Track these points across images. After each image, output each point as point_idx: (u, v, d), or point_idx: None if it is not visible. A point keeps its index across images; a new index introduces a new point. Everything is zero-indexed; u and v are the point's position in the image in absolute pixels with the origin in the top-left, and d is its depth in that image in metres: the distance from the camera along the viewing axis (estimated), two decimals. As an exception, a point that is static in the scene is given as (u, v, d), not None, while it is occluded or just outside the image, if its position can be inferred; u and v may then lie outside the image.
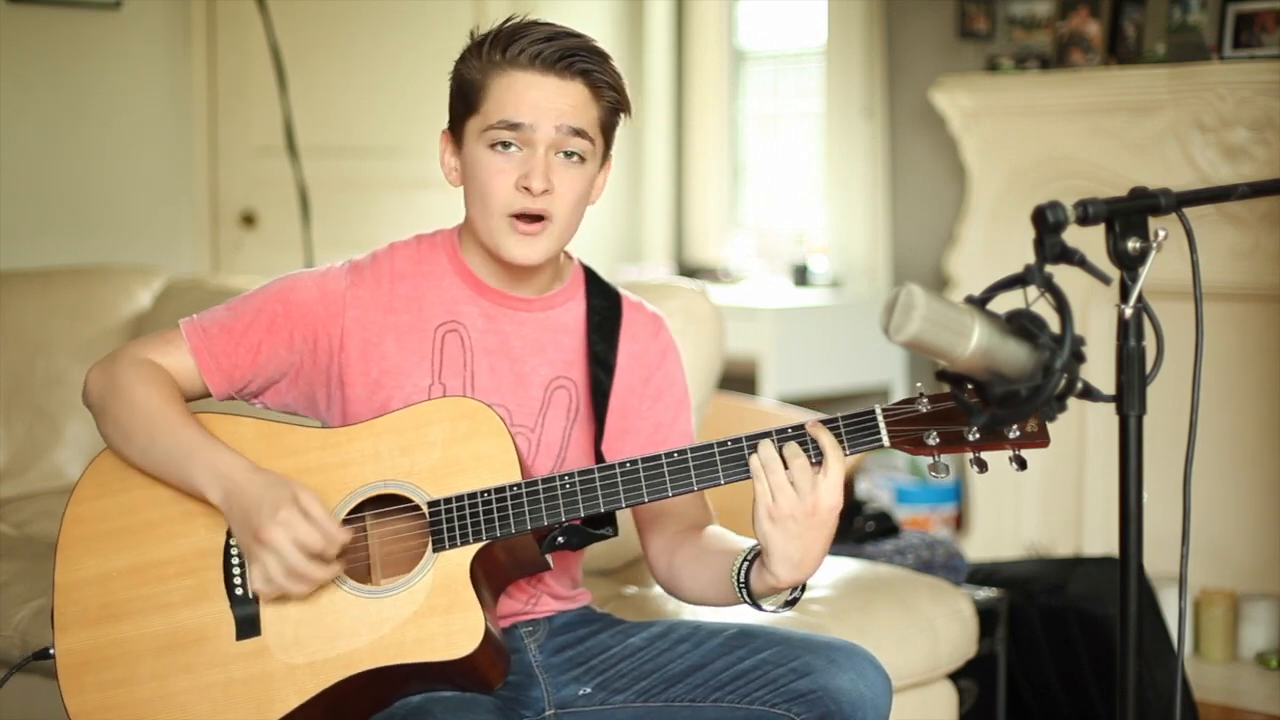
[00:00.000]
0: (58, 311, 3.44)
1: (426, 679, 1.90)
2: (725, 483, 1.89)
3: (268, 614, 1.91)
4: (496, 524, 1.90)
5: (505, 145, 1.96)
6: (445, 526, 1.91)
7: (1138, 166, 4.30)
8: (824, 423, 1.86)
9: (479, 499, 1.91)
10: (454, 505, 1.91)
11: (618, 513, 1.95)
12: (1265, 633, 4.17)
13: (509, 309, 2.06)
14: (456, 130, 2.03)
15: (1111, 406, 1.59)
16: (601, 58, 1.98)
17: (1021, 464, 1.83)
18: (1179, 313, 1.85)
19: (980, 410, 1.59)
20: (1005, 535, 4.67)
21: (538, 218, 1.97)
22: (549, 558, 1.97)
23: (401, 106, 5.21)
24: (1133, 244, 1.57)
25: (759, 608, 1.93)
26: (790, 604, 1.92)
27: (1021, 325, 1.55)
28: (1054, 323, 1.54)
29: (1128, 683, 1.61)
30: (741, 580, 1.92)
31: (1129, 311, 1.57)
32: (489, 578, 1.95)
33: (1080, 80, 4.43)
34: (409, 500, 1.94)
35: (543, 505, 1.91)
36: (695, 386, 2.49)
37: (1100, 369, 1.64)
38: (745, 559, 1.92)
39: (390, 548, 1.97)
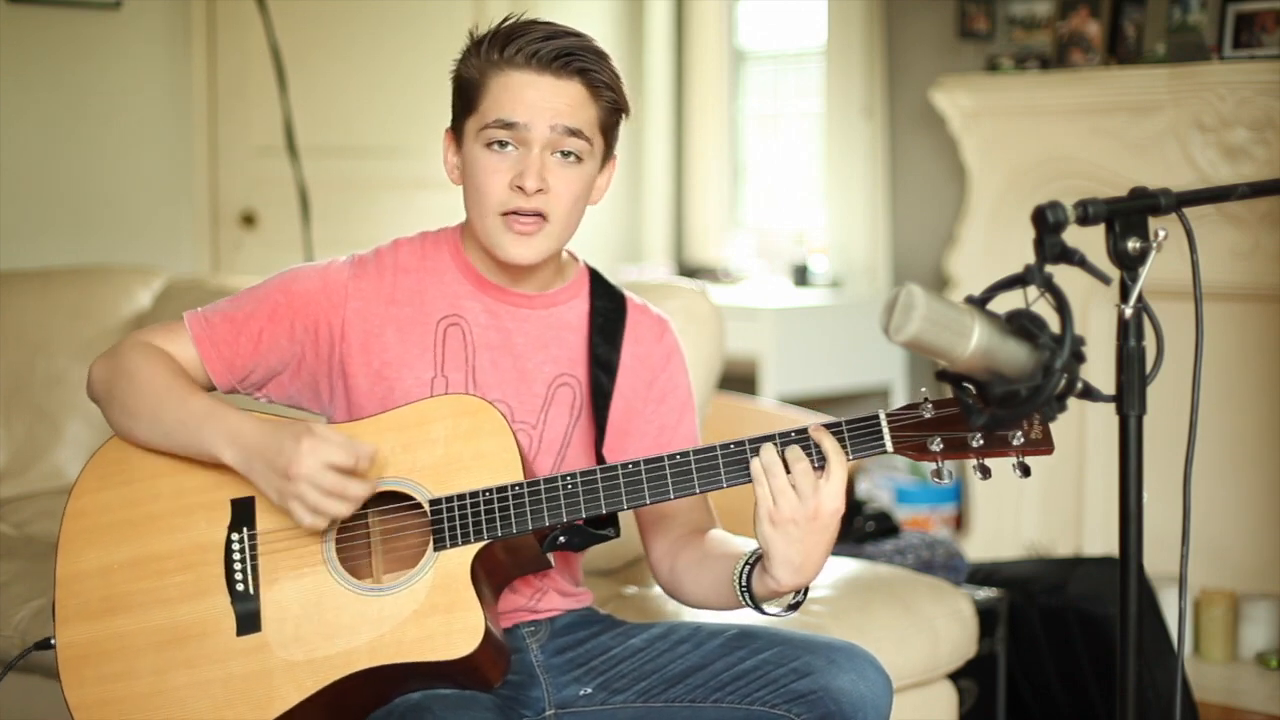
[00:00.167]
0: (58, 311, 3.44)
1: (426, 677, 1.90)
2: (727, 485, 1.89)
3: (268, 610, 1.91)
4: (498, 523, 1.90)
5: (501, 144, 1.97)
6: (446, 525, 1.91)
7: (1138, 166, 4.30)
8: (827, 427, 1.86)
9: (480, 498, 1.91)
10: (455, 504, 1.91)
11: (620, 514, 1.95)
12: (1265, 633, 4.17)
13: (511, 305, 2.06)
14: (457, 129, 2.03)
15: (1111, 406, 1.59)
16: (600, 57, 1.98)
17: (1025, 471, 1.82)
18: (1179, 313, 1.85)
19: (980, 410, 1.59)
20: (1005, 535, 4.67)
21: (533, 216, 1.97)
22: (550, 557, 1.97)
23: (401, 106, 5.22)
24: (1133, 244, 1.57)
25: (762, 611, 1.93)
26: (793, 608, 1.92)
27: (1021, 325, 1.55)
28: (1054, 323, 1.54)
29: (1128, 683, 1.61)
30: (743, 584, 1.92)
31: (1129, 311, 1.57)
32: (490, 576, 1.95)
33: (1080, 80, 4.43)
34: (410, 498, 1.94)
35: (544, 505, 1.91)
36: (695, 386, 2.49)
37: (1100, 369, 1.64)
38: (746, 562, 1.92)
39: (391, 545, 1.97)
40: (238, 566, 1.93)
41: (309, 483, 1.84)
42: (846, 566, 2.92)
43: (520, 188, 1.95)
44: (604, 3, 5.63)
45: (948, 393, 1.72)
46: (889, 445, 1.85)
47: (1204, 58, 4.20)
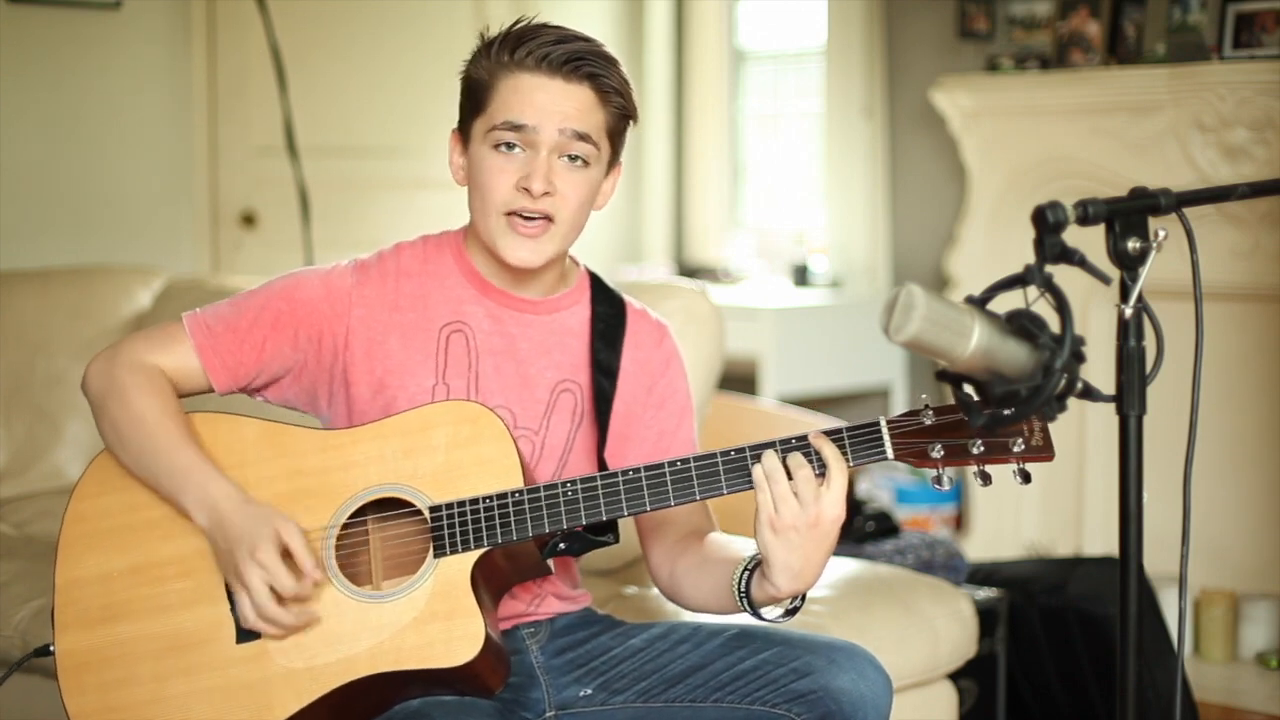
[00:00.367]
0: (58, 311, 3.44)
1: (426, 684, 1.90)
2: (728, 492, 1.88)
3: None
4: (498, 530, 1.90)
5: (509, 146, 1.96)
6: (447, 532, 1.90)
7: (1138, 166, 4.30)
8: (828, 433, 1.86)
9: (481, 505, 1.90)
10: (456, 511, 1.91)
11: (619, 520, 1.95)
12: (1265, 633, 4.17)
13: (514, 310, 2.06)
14: (464, 130, 2.03)
15: (1111, 406, 1.59)
16: (610, 63, 1.99)
17: (1026, 477, 1.82)
18: (1179, 313, 1.85)
19: (981, 410, 1.59)
20: (1005, 535, 4.67)
21: (539, 219, 1.97)
22: (550, 563, 1.97)
23: (401, 106, 5.21)
24: (1133, 244, 1.57)
25: (760, 617, 1.93)
26: (791, 613, 1.92)
27: (1021, 325, 1.55)
28: (1054, 323, 1.54)
29: (1128, 683, 1.61)
30: (742, 589, 1.91)
31: (1129, 311, 1.57)
32: (489, 582, 1.95)
33: (1080, 80, 4.43)
34: (411, 504, 1.93)
35: (544, 512, 1.90)
36: (695, 387, 2.49)
37: (1100, 369, 1.64)
38: (745, 568, 1.92)
39: (391, 551, 1.96)
40: (236, 580, 1.93)
41: (252, 594, 1.85)
42: (846, 566, 2.92)
43: (527, 190, 1.95)
44: (604, 3, 5.63)
45: (948, 399, 1.72)
46: (890, 452, 1.85)
47: (1204, 58, 4.20)
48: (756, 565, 1.90)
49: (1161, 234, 1.57)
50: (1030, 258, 1.56)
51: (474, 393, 2.02)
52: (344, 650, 1.88)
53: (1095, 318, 4.18)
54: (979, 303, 1.55)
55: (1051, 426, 1.82)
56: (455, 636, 1.87)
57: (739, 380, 4.74)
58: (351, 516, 1.94)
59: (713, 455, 1.88)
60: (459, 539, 1.90)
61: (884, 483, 4.63)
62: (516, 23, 2.00)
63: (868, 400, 5.20)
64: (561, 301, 2.09)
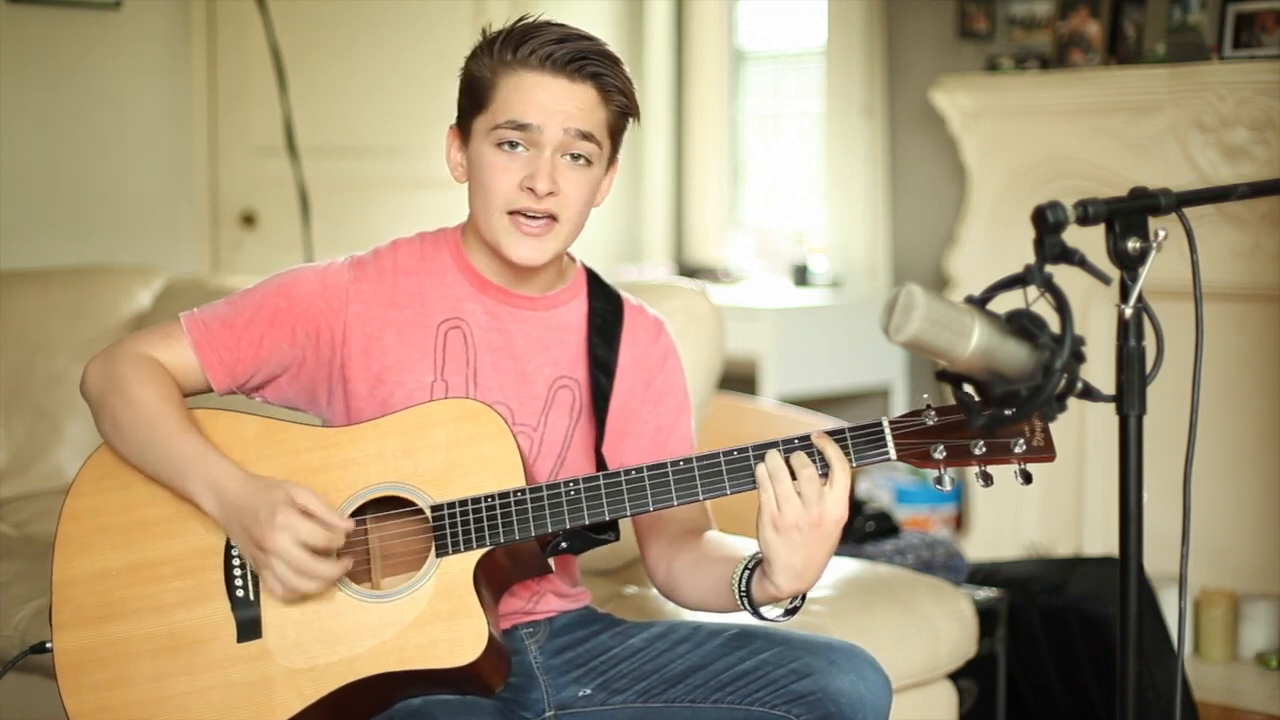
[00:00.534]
0: (58, 311, 3.44)
1: (428, 683, 1.90)
2: (731, 492, 1.88)
3: (269, 617, 1.90)
4: (500, 530, 1.90)
5: (512, 145, 1.96)
6: (449, 531, 1.90)
7: (1138, 166, 4.30)
8: (831, 434, 1.86)
9: (483, 504, 1.90)
10: (458, 510, 1.90)
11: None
12: (1265, 633, 4.17)
13: (512, 307, 2.06)
14: (464, 126, 2.02)
15: (1111, 406, 1.59)
16: (613, 62, 1.98)
17: (1027, 478, 1.82)
18: (1179, 313, 1.85)
19: (981, 410, 1.59)
20: (1005, 535, 4.67)
21: (544, 218, 1.97)
22: (551, 561, 1.97)
23: (401, 106, 5.21)
24: (1133, 244, 1.57)
25: (760, 616, 1.93)
26: (791, 612, 1.92)
27: (1021, 325, 1.55)
28: (1054, 323, 1.54)
29: (1128, 683, 1.61)
30: (742, 589, 1.91)
31: (1129, 311, 1.57)
32: (491, 581, 1.94)
33: (1080, 80, 4.43)
34: (411, 502, 1.93)
35: (547, 512, 1.90)
36: (695, 386, 2.49)
37: (1100, 369, 1.64)
38: (746, 567, 1.92)
39: (391, 550, 1.96)
40: (238, 572, 1.92)
41: (279, 558, 1.84)
42: (846, 566, 2.92)
43: (531, 189, 1.95)
44: (604, 3, 5.63)
45: (949, 399, 1.72)
46: (892, 453, 1.85)
47: (1204, 58, 4.20)
48: (757, 564, 1.90)
49: (1161, 234, 1.57)
50: (1030, 258, 1.56)
51: (472, 389, 2.02)
52: (346, 650, 1.88)
53: (1095, 318, 4.18)
54: (979, 303, 1.55)
55: (1051, 426, 1.83)
56: (458, 636, 1.86)
57: (739, 380, 4.74)
58: (351, 515, 1.93)
59: (716, 455, 1.88)
60: (461, 538, 1.90)
61: (884, 483, 4.63)
62: (520, 20, 1.99)
63: (868, 400, 5.20)
64: (559, 298, 2.09)
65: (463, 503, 1.90)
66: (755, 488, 1.85)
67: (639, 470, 1.90)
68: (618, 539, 1.97)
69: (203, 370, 2.00)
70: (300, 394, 2.06)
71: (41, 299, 3.45)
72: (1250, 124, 4.12)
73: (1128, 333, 1.58)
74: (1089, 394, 1.57)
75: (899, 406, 5.16)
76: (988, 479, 1.84)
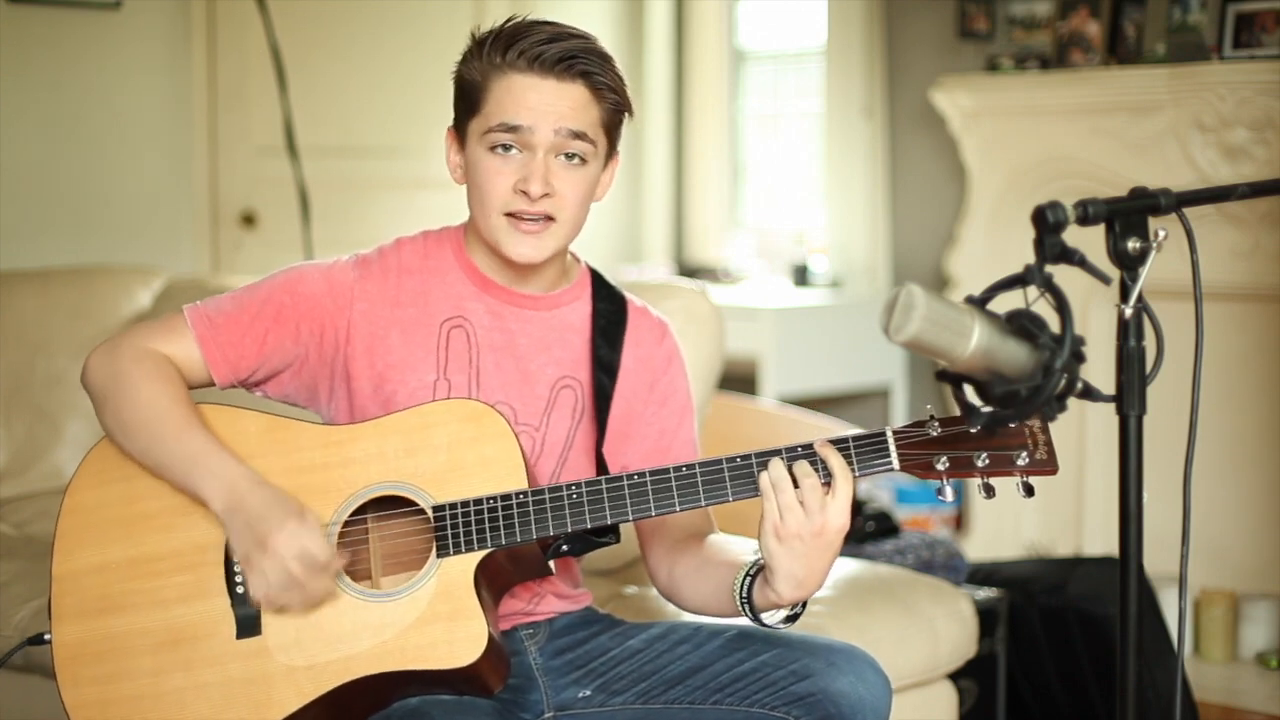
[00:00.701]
0: (58, 311, 3.44)
1: (427, 684, 1.90)
2: (733, 499, 1.88)
3: (269, 614, 1.90)
4: (502, 532, 1.90)
5: (505, 148, 1.96)
6: (450, 532, 1.90)
7: (1138, 166, 4.30)
8: (833, 442, 1.85)
9: (485, 506, 1.90)
10: (459, 511, 1.90)
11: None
12: (1265, 633, 4.17)
13: (515, 306, 2.06)
14: (460, 129, 2.02)
15: (1111, 406, 1.59)
16: (603, 59, 1.97)
17: (1029, 491, 1.82)
18: (1179, 313, 1.85)
19: (981, 410, 1.59)
20: (1005, 535, 4.67)
21: (539, 218, 1.97)
22: (551, 563, 1.97)
23: (401, 106, 5.21)
24: (1133, 244, 1.57)
25: (761, 622, 1.92)
26: (792, 619, 1.92)
27: (1021, 325, 1.55)
28: (1054, 323, 1.54)
29: (1128, 683, 1.61)
30: (744, 595, 1.91)
31: (1129, 311, 1.57)
32: (491, 583, 1.94)
33: (1080, 80, 4.43)
34: (413, 502, 1.93)
35: (549, 514, 1.90)
36: (695, 387, 2.49)
37: (1100, 369, 1.64)
38: (747, 573, 1.91)
39: (391, 549, 1.96)
40: (238, 569, 1.92)
41: (277, 562, 1.84)
42: (846, 566, 2.91)
43: (524, 192, 1.95)
44: (604, 3, 5.63)
45: (951, 403, 1.72)
46: (895, 463, 1.85)
47: (1204, 58, 4.20)
48: (758, 570, 1.89)
49: (1161, 234, 1.57)
50: (1030, 258, 1.56)
51: (475, 389, 2.02)
52: (345, 649, 1.88)
53: (1095, 318, 4.18)
54: (979, 303, 1.55)
55: (1051, 426, 1.83)
56: (458, 637, 1.86)
57: (739, 380, 4.74)
58: (353, 514, 1.93)
59: (718, 462, 1.88)
60: (462, 539, 1.90)
61: (884, 483, 4.62)
62: (508, 21, 1.99)
63: (868, 400, 5.20)
64: (562, 298, 2.09)
65: (464, 503, 1.90)
66: (757, 495, 1.85)
67: (641, 475, 1.89)
68: (618, 541, 1.97)
69: (205, 364, 2.00)
70: (301, 390, 2.05)
71: (41, 299, 3.45)
72: (1250, 124, 4.12)
73: (1128, 333, 1.58)
74: (1089, 394, 1.57)
75: (899, 407, 5.16)
76: (990, 490, 1.84)
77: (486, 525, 1.89)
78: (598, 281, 2.13)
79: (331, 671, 1.87)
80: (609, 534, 1.95)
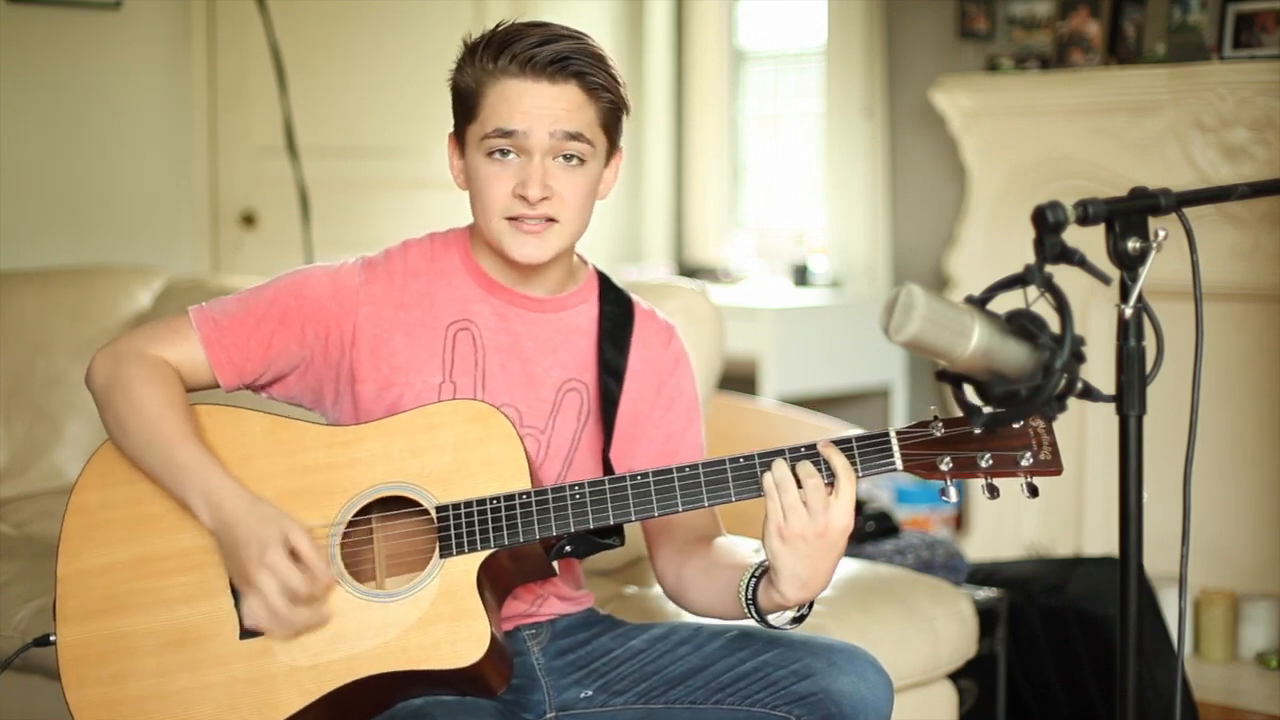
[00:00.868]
0: (58, 311, 3.44)
1: (430, 684, 1.90)
2: (736, 500, 1.88)
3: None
4: (505, 532, 1.90)
5: (503, 153, 1.96)
6: (453, 532, 1.90)
7: (1138, 166, 4.30)
8: (837, 443, 1.85)
9: (488, 506, 1.90)
10: (463, 511, 1.90)
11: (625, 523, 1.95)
12: (1265, 633, 4.17)
13: (521, 308, 2.06)
14: (459, 134, 2.02)
15: (1111, 406, 1.59)
16: (596, 58, 1.97)
17: (1033, 491, 1.82)
18: (1179, 313, 1.85)
19: (981, 410, 1.59)
20: (1005, 535, 4.67)
21: (540, 220, 1.97)
22: (555, 564, 1.97)
23: (401, 106, 5.22)
24: (1133, 244, 1.57)
25: (767, 624, 1.92)
26: (798, 620, 1.92)
27: (1021, 325, 1.55)
28: (1054, 323, 1.54)
29: (1128, 683, 1.61)
30: (749, 597, 1.91)
31: (1129, 311, 1.57)
32: (494, 583, 1.94)
33: (1080, 80, 4.43)
34: (416, 503, 1.93)
35: (552, 515, 1.90)
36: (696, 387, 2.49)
37: (1100, 369, 1.64)
38: (752, 575, 1.91)
39: (395, 550, 1.96)
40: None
41: (259, 596, 1.84)
42: (846, 566, 2.91)
43: (524, 196, 1.94)
44: (604, 3, 5.63)
45: (954, 411, 1.72)
46: (899, 463, 1.84)
47: (1204, 58, 4.20)
48: (763, 572, 1.89)
49: (1161, 234, 1.57)
50: (1030, 258, 1.56)
51: (481, 391, 2.02)
52: (348, 649, 1.88)
53: (1095, 318, 4.18)
54: (979, 303, 1.55)
55: (1053, 430, 1.83)
56: (461, 638, 1.86)
57: (739, 380, 4.74)
58: (357, 514, 1.93)
59: (721, 462, 1.88)
60: (465, 539, 1.90)
61: (884, 483, 4.63)
62: (499, 26, 1.98)
63: (868, 400, 5.21)
64: (569, 300, 2.09)
65: (468, 504, 1.90)
66: (761, 495, 1.85)
67: (644, 475, 1.89)
68: (622, 544, 1.97)
69: (210, 367, 2.00)
70: (307, 393, 2.05)
71: (41, 299, 3.45)
72: (1250, 124, 4.12)
73: (1128, 333, 1.58)
74: (1089, 394, 1.57)
75: (899, 407, 5.16)
76: (994, 491, 1.83)
77: (490, 525, 1.89)
78: (605, 284, 2.12)
79: (334, 671, 1.87)
80: (613, 535, 1.95)
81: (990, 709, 3.25)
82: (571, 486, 1.90)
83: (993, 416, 1.58)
